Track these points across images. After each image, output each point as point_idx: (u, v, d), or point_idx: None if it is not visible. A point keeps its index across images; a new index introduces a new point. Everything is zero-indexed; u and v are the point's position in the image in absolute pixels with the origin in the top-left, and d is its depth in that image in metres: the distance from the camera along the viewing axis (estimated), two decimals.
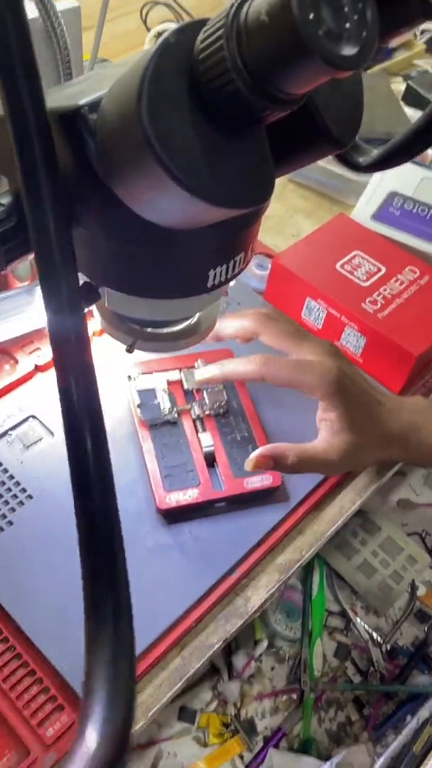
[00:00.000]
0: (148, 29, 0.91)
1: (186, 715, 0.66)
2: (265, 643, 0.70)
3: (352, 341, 0.68)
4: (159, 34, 0.89)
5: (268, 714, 0.67)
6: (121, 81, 0.30)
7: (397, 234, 0.76)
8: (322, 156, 0.36)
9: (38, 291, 0.62)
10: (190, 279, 0.39)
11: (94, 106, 0.32)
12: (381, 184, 0.78)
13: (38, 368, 0.65)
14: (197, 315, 0.48)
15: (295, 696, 0.68)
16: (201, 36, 0.27)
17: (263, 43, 0.25)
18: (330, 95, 0.34)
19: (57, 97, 0.36)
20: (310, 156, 0.35)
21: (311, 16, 0.23)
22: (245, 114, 0.29)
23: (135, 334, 0.47)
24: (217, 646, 0.52)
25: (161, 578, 0.53)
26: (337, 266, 0.71)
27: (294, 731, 0.67)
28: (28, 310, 0.61)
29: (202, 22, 0.28)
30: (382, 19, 0.25)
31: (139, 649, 0.49)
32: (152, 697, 0.49)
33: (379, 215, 0.77)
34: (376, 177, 0.79)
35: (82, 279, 0.42)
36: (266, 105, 0.27)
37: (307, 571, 0.76)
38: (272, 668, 0.69)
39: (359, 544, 0.78)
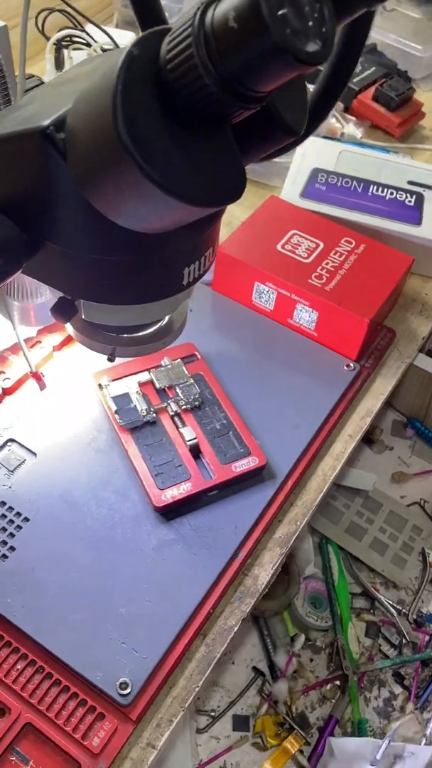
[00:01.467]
0: (47, 38, 0.90)
1: (240, 723, 0.67)
2: (302, 638, 0.72)
3: (304, 317, 0.71)
4: (58, 42, 0.88)
5: (317, 705, 0.70)
6: (88, 98, 0.31)
7: (326, 208, 0.79)
8: (278, 145, 0.37)
9: None
10: (166, 280, 0.41)
11: (59, 125, 0.33)
12: (303, 162, 0.81)
13: (6, 391, 0.64)
14: (168, 316, 0.49)
15: (338, 682, 0.70)
16: (166, 46, 0.28)
17: (233, 47, 0.26)
18: (281, 90, 0.36)
19: (8, 122, 0.36)
20: (268, 146, 0.37)
21: (279, 17, 0.24)
22: (216, 114, 0.30)
23: (113, 341, 0.48)
24: (236, 628, 0.53)
25: (172, 573, 0.54)
26: (278, 247, 0.73)
27: (345, 716, 0.70)
28: None
29: (161, 32, 0.29)
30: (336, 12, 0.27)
31: (165, 644, 0.50)
32: (185, 689, 0.50)
33: (307, 192, 0.80)
34: (298, 156, 0.82)
35: (57, 294, 0.43)
36: (237, 104, 0.29)
37: (324, 559, 0.78)
38: (311, 660, 0.72)
39: (366, 524, 0.81)
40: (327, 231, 0.75)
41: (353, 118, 1.03)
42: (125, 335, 0.48)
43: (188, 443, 0.60)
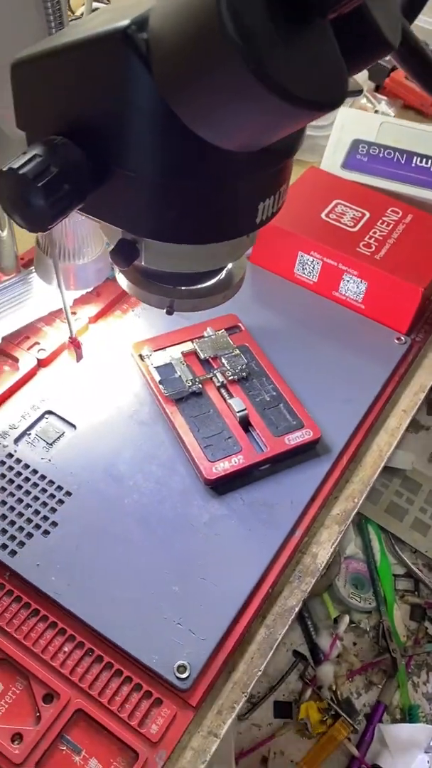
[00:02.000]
0: None
1: (282, 710, 0.63)
2: (346, 619, 0.68)
3: (351, 288, 0.67)
4: None
5: (363, 691, 0.66)
6: None
7: (368, 179, 0.76)
8: (372, 58, 0.34)
9: (35, 279, 0.58)
10: (240, 215, 0.37)
11: (141, 24, 0.30)
12: (343, 134, 0.78)
13: (41, 363, 0.61)
14: (229, 266, 0.46)
15: (384, 667, 0.66)
16: None
17: None
18: (376, 5, 0.33)
19: (73, 33, 0.33)
20: (364, 58, 0.34)
21: None
22: (317, 4, 0.27)
23: (171, 293, 0.44)
24: (297, 609, 0.50)
25: (227, 551, 0.50)
26: (322, 216, 0.70)
27: (392, 702, 0.66)
28: (26, 301, 0.57)
29: None
30: None
31: (223, 626, 0.46)
32: (246, 673, 0.46)
33: (348, 163, 0.77)
34: (337, 128, 0.79)
35: (115, 238, 0.39)
36: None
37: (364, 540, 0.74)
38: (354, 644, 0.68)
39: (406, 504, 0.78)
40: (372, 200, 0.72)
41: (384, 98, 1.00)
42: (183, 287, 0.44)
43: (238, 415, 0.56)
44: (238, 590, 0.48)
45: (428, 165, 0.76)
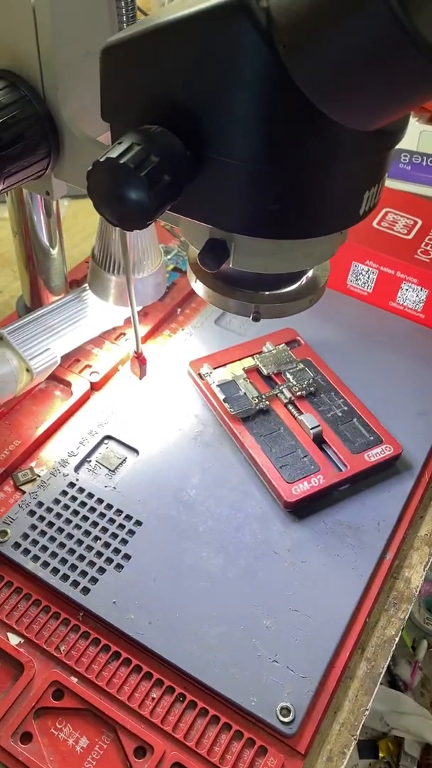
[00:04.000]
0: None
1: (366, 749, 0.57)
2: (425, 645, 0.64)
3: (411, 297, 0.64)
4: None
5: None
6: None
7: (413, 187, 0.74)
8: None
9: (90, 296, 0.55)
10: (347, 205, 0.34)
11: None
12: None
13: (94, 386, 0.57)
14: (313, 269, 0.43)
15: None
16: None
17: None
18: None
19: (174, 11, 0.30)
20: None
21: None
22: None
23: (256, 299, 0.41)
24: (397, 638, 0.45)
25: (316, 579, 0.46)
26: (374, 224, 0.67)
27: None
28: (81, 320, 0.54)
29: None
30: None
31: (324, 661, 0.42)
32: (353, 713, 0.42)
33: (392, 172, 0.75)
34: None
35: (200, 239, 0.36)
36: None
37: None
38: None
39: None
40: (422, 208, 0.70)
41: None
42: (268, 292, 0.41)
43: (311, 432, 0.52)
44: (335, 621, 0.44)
45: None
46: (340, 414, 0.55)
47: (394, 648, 0.45)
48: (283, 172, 0.31)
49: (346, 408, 0.55)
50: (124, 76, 0.32)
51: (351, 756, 0.41)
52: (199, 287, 0.42)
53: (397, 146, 0.76)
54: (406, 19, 0.23)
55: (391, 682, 0.61)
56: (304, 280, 0.42)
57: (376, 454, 0.52)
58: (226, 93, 0.29)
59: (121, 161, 0.29)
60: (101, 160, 0.30)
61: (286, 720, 0.40)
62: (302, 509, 0.50)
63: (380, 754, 0.56)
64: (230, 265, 0.37)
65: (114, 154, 0.30)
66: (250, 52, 0.28)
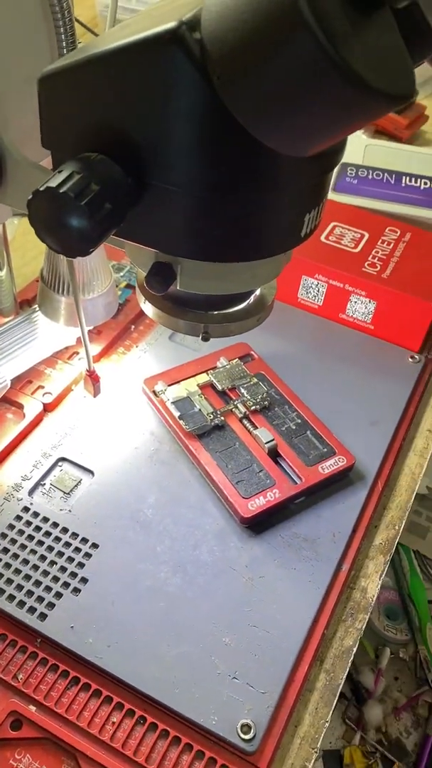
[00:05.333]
0: None
1: (331, 760, 0.58)
2: (387, 652, 0.64)
3: (359, 309, 0.66)
4: None
5: (412, 729, 0.62)
6: None
7: (360, 200, 0.75)
8: (427, 55, 0.33)
9: (40, 317, 0.54)
10: (289, 228, 0.35)
11: (192, 24, 0.27)
12: None
13: (47, 408, 0.57)
14: (260, 288, 0.43)
15: (429, 699, 0.63)
16: None
17: None
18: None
19: (111, 40, 0.30)
20: (421, 55, 0.32)
21: None
22: None
23: (204, 319, 0.41)
24: (355, 648, 0.46)
25: (274, 593, 0.46)
26: (322, 238, 0.68)
27: None
28: (31, 341, 0.53)
29: None
30: None
31: (283, 675, 0.42)
32: (313, 726, 0.42)
33: (339, 186, 0.76)
34: None
35: (146, 263, 0.37)
36: None
37: (393, 562, 0.72)
38: (396, 678, 0.64)
39: (427, 522, 0.75)
40: (368, 221, 0.71)
41: None
42: (216, 312, 0.42)
43: (266, 446, 0.53)
44: (293, 635, 0.44)
45: (418, 184, 0.76)
46: (294, 427, 0.55)
47: (352, 658, 0.46)
48: (223, 198, 0.32)
49: (299, 421, 0.56)
50: (62, 104, 0.32)
51: (312, 766, 0.42)
52: (148, 308, 0.42)
53: (344, 160, 0.78)
54: (334, 52, 0.24)
55: (353, 690, 0.61)
56: (252, 299, 0.43)
57: (330, 466, 0.52)
58: (163, 122, 0.29)
59: (61, 190, 0.29)
60: (41, 189, 0.30)
61: (246, 737, 0.40)
62: (259, 524, 0.50)
63: (344, 762, 0.57)
64: (177, 288, 0.38)
65: (54, 183, 0.30)
66: (185, 83, 0.28)
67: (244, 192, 0.31)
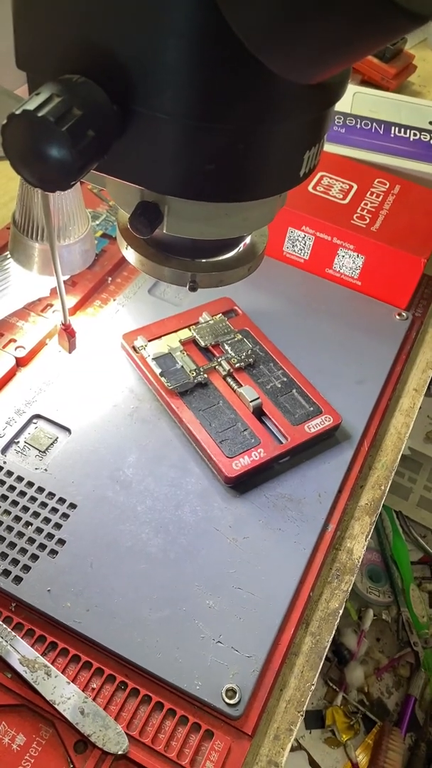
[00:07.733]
0: None
1: (313, 719, 0.58)
2: (370, 614, 0.64)
3: (347, 264, 0.63)
4: None
5: (393, 689, 0.62)
6: None
7: (348, 150, 0.72)
8: None
9: (12, 265, 0.51)
10: (287, 165, 0.32)
11: None
12: None
13: (20, 362, 0.54)
14: (250, 235, 0.41)
15: (411, 660, 0.63)
16: None
17: None
18: None
19: None
20: None
21: None
22: None
23: (192, 267, 0.39)
24: (341, 611, 0.45)
25: (259, 554, 0.45)
26: (310, 189, 0.65)
27: (424, 696, 0.62)
28: (4, 290, 0.50)
29: None
30: None
31: (269, 639, 0.41)
32: (299, 689, 0.41)
33: (327, 135, 0.73)
34: None
35: (131, 202, 0.34)
36: None
37: (376, 524, 0.71)
38: (378, 639, 0.64)
39: (409, 483, 0.75)
40: (356, 172, 0.68)
41: None
42: (204, 260, 0.39)
43: (251, 404, 0.51)
44: (279, 597, 0.43)
45: (407, 135, 0.73)
46: (280, 385, 0.53)
47: (338, 621, 0.45)
48: (219, 128, 0.29)
49: (285, 379, 0.54)
50: (39, 17, 0.29)
51: (298, 728, 0.41)
52: (130, 255, 0.39)
53: None
54: None
55: (335, 651, 0.61)
56: (242, 246, 0.40)
57: (316, 425, 0.51)
58: (155, 39, 0.26)
59: (40, 114, 0.26)
60: (17, 112, 0.27)
61: (231, 702, 0.39)
62: (243, 484, 0.48)
63: (326, 723, 0.57)
64: (164, 231, 0.35)
65: (31, 106, 0.26)
66: None
67: (241, 122, 0.29)
